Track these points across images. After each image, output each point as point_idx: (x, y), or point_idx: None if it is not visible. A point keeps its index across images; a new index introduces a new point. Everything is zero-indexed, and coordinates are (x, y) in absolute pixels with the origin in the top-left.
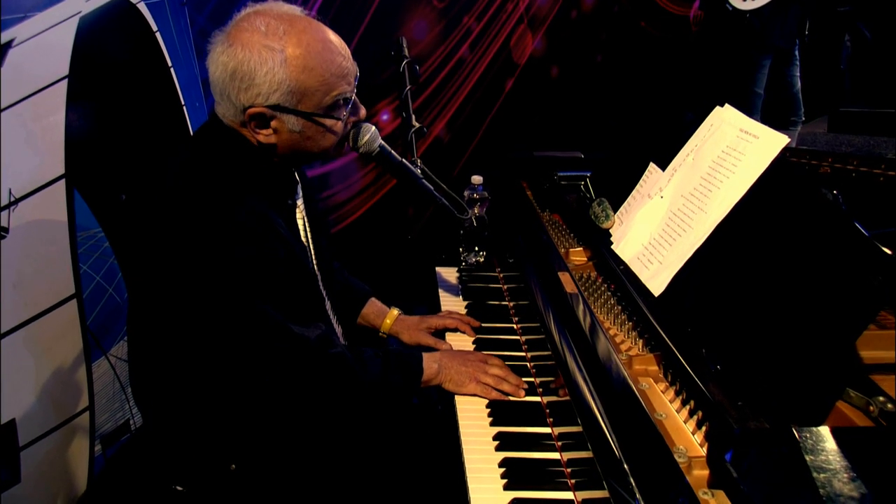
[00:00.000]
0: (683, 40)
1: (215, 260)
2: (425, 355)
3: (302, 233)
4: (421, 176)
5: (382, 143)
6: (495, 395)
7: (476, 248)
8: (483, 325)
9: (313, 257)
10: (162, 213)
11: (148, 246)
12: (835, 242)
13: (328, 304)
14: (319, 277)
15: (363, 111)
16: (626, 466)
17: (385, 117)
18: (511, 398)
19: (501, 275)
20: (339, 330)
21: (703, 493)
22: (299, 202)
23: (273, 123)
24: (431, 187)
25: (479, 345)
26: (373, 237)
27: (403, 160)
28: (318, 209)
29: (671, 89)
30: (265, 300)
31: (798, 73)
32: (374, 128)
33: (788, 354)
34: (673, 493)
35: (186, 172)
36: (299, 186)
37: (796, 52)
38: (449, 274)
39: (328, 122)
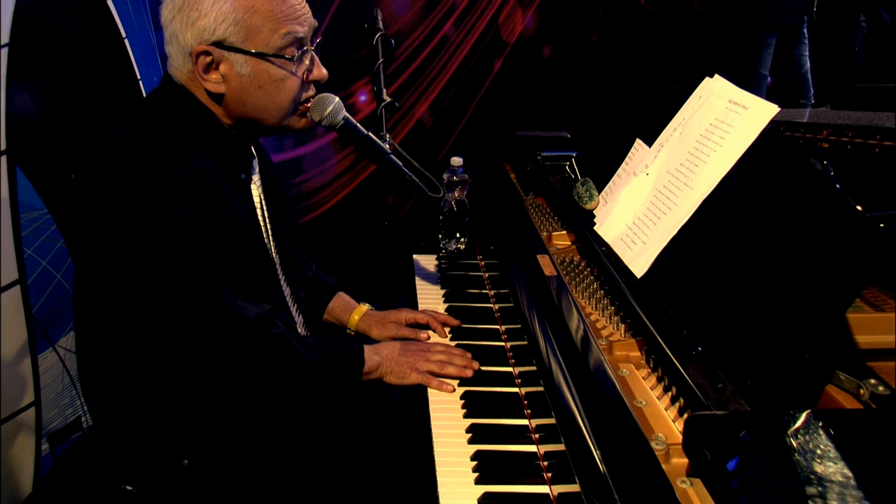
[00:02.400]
0: (685, 19)
1: (155, 219)
2: (368, 347)
3: (259, 213)
4: (389, 151)
5: (347, 115)
6: (435, 383)
7: (457, 235)
8: (460, 305)
9: (271, 241)
10: (102, 175)
11: (87, 212)
12: (822, 213)
13: (287, 292)
14: (277, 262)
15: (323, 71)
16: (597, 454)
17: (363, 98)
18: (479, 388)
19: (483, 262)
20: (299, 320)
21: (680, 482)
22: (255, 178)
23: (221, 68)
24: (400, 163)
25: (456, 333)
26: (349, 226)
27: (370, 134)
28: (279, 192)
29: (671, 71)
30: (205, 267)
31: (807, 53)
32: (337, 98)
33: (773, 334)
34: (648, 483)
35: (131, 135)
36: (256, 162)
37: (805, 30)
38: (427, 262)
39: (279, 66)
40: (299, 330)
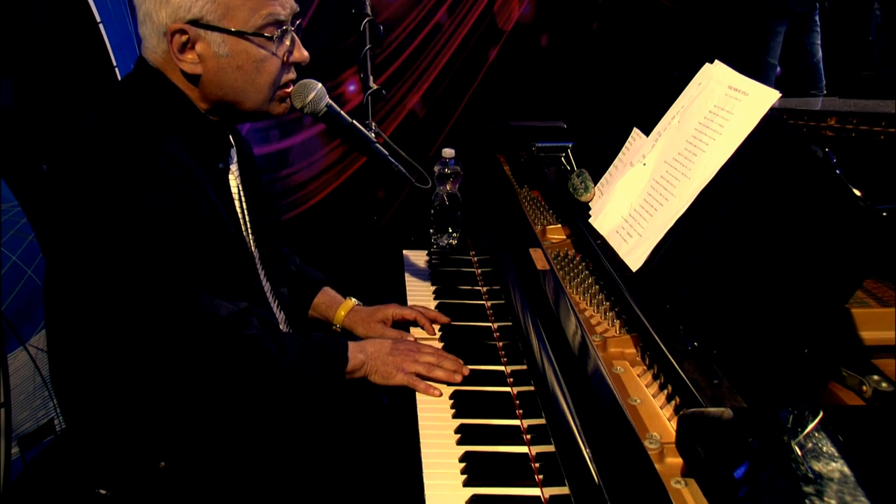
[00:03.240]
0: (689, 5)
1: (124, 210)
2: (352, 344)
3: (237, 205)
4: (374, 140)
5: (331, 102)
6: (422, 386)
7: (449, 230)
8: (451, 302)
9: (249, 234)
10: (69, 164)
11: (55, 202)
12: (823, 202)
13: (267, 287)
14: (257, 256)
15: (304, 53)
16: (587, 454)
17: (352, 88)
18: (469, 388)
19: (476, 258)
20: (280, 317)
21: (675, 483)
22: (233, 168)
23: (198, 48)
24: (386, 153)
25: (446, 331)
26: (338, 221)
27: (354, 122)
28: (260, 184)
29: (675, 61)
30: (176, 261)
31: (818, 42)
32: (320, 85)
33: (771, 328)
34: (640, 484)
35: (101, 121)
36: (234, 151)
37: (816, 18)
38: (417, 257)
39: (258, 45)
40: (281, 327)
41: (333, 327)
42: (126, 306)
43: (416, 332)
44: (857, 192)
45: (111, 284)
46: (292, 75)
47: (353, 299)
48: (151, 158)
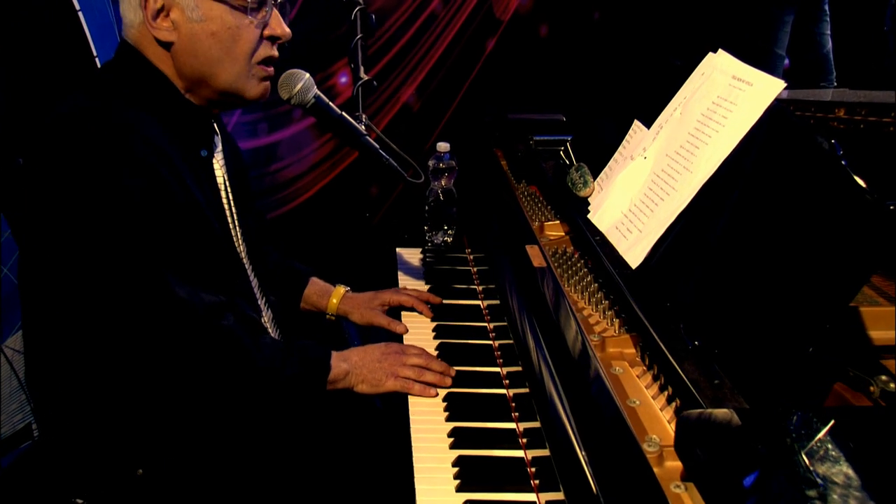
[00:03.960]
0: None
1: (95, 192)
2: (336, 353)
3: (223, 195)
4: (365, 132)
5: (319, 93)
6: (417, 389)
7: (444, 227)
8: (445, 302)
9: (236, 226)
10: (41, 148)
11: (25, 187)
12: (828, 195)
13: (255, 284)
14: (244, 251)
15: (285, 29)
16: (583, 457)
17: (343, 80)
18: (463, 390)
19: (472, 256)
20: (267, 315)
21: (674, 487)
22: (218, 156)
23: (172, 14)
24: (377, 146)
25: (440, 331)
26: (329, 218)
27: (344, 114)
28: (246, 179)
29: (680, 52)
30: (148, 245)
31: (828, 32)
32: (307, 75)
33: (775, 326)
34: (638, 489)
35: (75, 104)
36: (218, 139)
37: (825, 7)
38: (411, 255)
39: (233, 6)
40: (266, 324)
41: (327, 316)
42: (97, 295)
43: (407, 317)
44: (863, 185)
45: (81, 271)
46: (273, 52)
47: (343, 286)
48: (125, 141)
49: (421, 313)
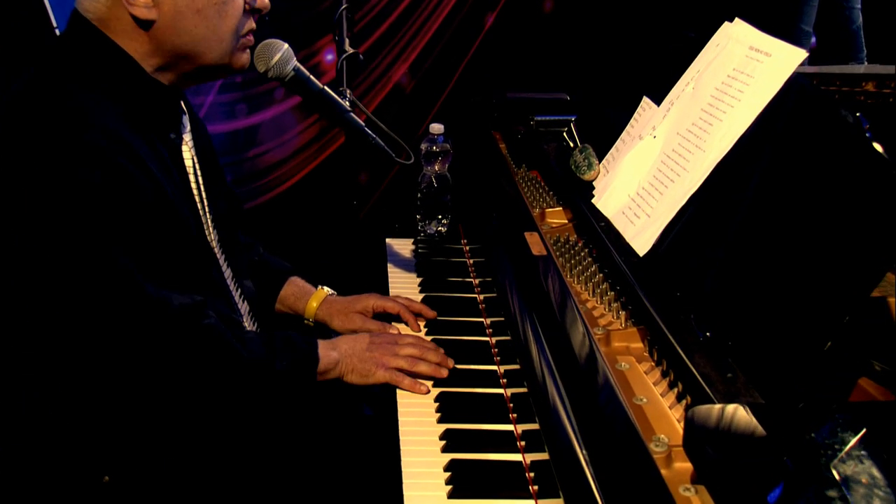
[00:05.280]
0: None
1: (49, 188)
2: (324, 342)
3: (193, 182)
4: (349, 109)
5: (298, 65)
6: (408, 383)
7: (438, 216)
8: (438, 295)
9: (207, 215)
10: None
11: None
12: (853, 172)
13: (228, 275)
14: (216, 241)
15: (264, 0)
16: (584, 458)
17: (329, 57)
18: (457, 389)
19: (468, 247)
20: (244, 307)
21: (683, 490)
22: (187, 139)
23: None
24: (362, 123)
25: (433, 327)
26: (313, 208)
27: (326, 88)
28: (216, 161)
29: (694, 26)
30: (112, 246)
31: (858, 6)
32: (286, 45)
33: (793, 316)
34: (644, 492)
35: (26, 88)
36: (186, 119)
37: None
38: (402, 246)
39: None
40: (244, 318)
41: (305, 321)
42: (60, 297)
43: (399, 326)
44: (891, 161)
45: (40, 272)
46: (252, 24)
47: (326, 288)
48: (80, 131)
49: (407, 324)
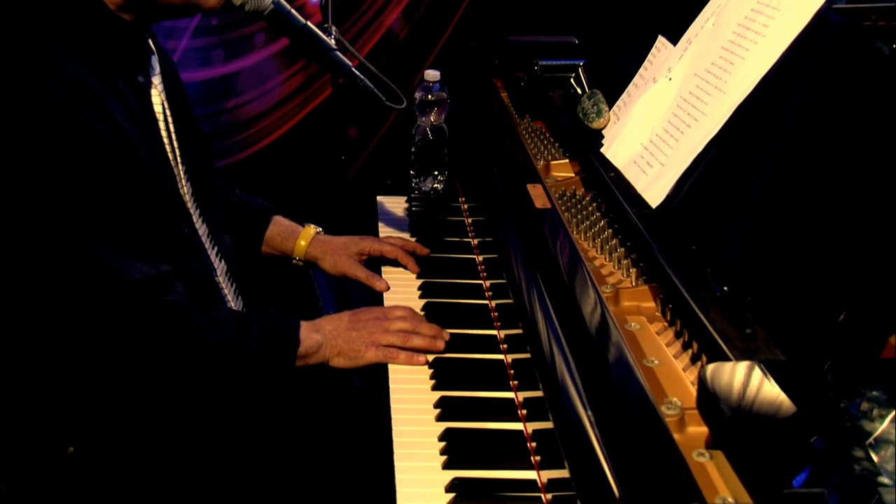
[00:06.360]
0: None
1: (11, 148)
2: (306, 324)
3: (163, 128)
4: (334, 47)
5: None
6: (403, 357)
7: (434, 172)
8: (435, 256)
9: (179, 164)
10: None
11: None
12: (888, 112)
13: (203, 231)
14: (189, 192)
15: None
16: (590, 425)
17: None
18: (454, 355)
19: (466, 205)
20: (220, 267)
21: (697, 455)
22: (156, 82)
23: None
24: (349, 63)
25: (428, 290)
26: (297, 164)
27: (309, 24)
28: (186, 104)
29: None
30: (70, 206)
31: None
32: None
33: (820, 269)
34: (655, 458)
35: None
36: (155, 60)
37: None
38: (395, 204)
39: None
40: (220, 279)
41: (294, 261)
42: (9, 265)
43: (388, 273)
44: None
45: (8, 250)
46: None
47: (313, 226)
48: (44, 84)
49: (406, 267)
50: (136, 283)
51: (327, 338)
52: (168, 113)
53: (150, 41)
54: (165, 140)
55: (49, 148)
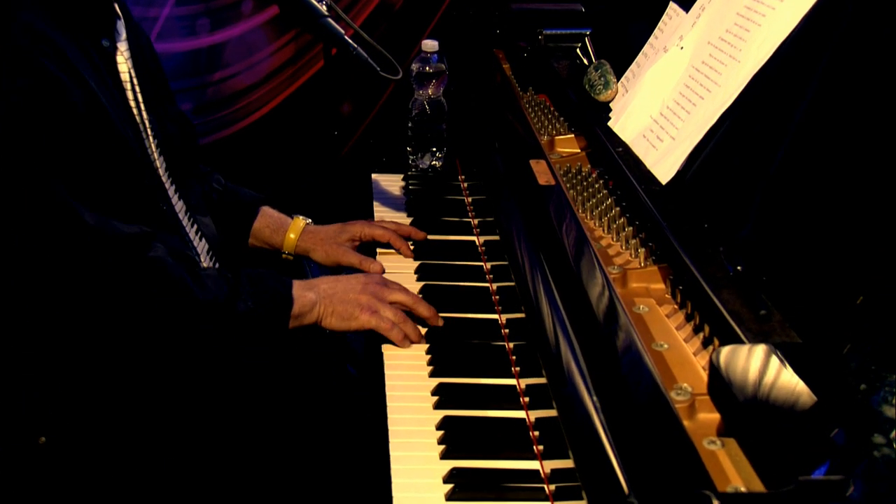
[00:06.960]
0: None
1: None
2: (298, 282)
3: (130, 96)
4: (326, 14)
5: None
6: (396, 333)
7: (432, 148)
8: (432, 238)
9: (149, 135)
10: None
11: None
12: None
13: (180, 208)
14: (162, 168)
15: None
16: (595, 412)
17: None
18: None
19: (466, 184)
20: (201, 246)
21: (708, 443)
22: (122, 48)
23: None
24: (341, 30)
25: (425, 272)
26: (287, 140)
27: None
28: (162, 80)
29: None
30: (44, 165)
31: None
32: None
33: (846, 246)
34: (663, 446)
35: None
36: (121, 25)
37: None
38: (391, 182)
39: None
40: (202, 258)
41: (284, 255)
42: None
43: (383, 255)
44: None
45: None
46: None
47: (302, 217)
48: (2, 33)
49: (399, 251)
50: (117, 238)
51: (321, 296)
52: (136, 81)
53: (116, 5)
54: (134, 109)
55: (12, 97)
